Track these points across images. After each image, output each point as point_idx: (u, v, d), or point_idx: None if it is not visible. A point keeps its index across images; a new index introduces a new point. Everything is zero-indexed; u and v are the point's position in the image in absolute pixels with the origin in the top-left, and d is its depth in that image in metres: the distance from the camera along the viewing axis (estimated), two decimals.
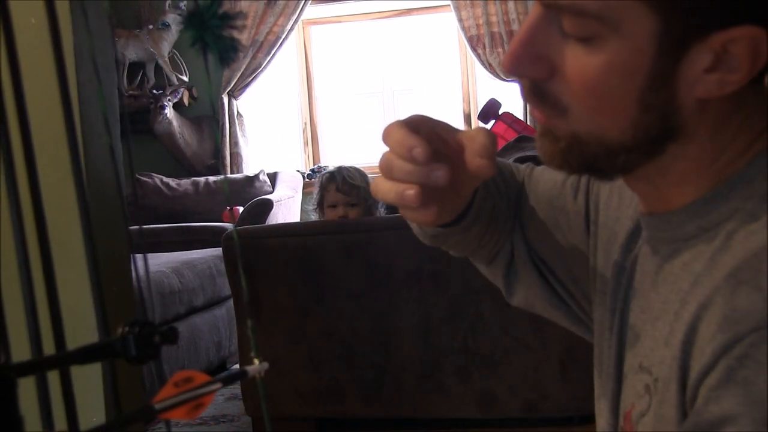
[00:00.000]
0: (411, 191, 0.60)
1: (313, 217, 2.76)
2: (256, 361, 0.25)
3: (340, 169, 2.69)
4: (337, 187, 2.63)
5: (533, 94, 0.58)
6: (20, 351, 0.25)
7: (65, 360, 0.21)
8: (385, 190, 0.62)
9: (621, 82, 0.53)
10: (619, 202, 0.73)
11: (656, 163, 0.58)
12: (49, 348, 0.24)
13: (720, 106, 0.55)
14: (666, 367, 0.55)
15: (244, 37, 5.00)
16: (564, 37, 0.55)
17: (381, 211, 2.70)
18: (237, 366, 3.16)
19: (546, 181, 0.82)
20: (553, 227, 0.79)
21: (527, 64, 0.56)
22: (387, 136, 0.62)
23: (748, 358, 0.47)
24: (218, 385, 0.23)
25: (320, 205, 2.68)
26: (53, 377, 0.24)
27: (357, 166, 2.77)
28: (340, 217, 2.62)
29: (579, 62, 0.54)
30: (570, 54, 0.55)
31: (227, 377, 0.24)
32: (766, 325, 0.46)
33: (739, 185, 0.56)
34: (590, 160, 0.58)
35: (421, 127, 0.62)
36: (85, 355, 0.21)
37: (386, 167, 0.62)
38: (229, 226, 4.06)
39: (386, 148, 0.62)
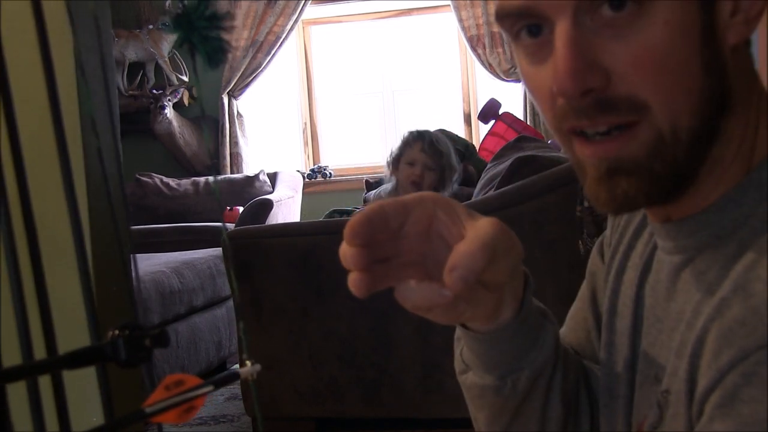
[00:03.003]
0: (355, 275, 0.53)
1: (385, 179, 2.66)
2: (249, 363, 0.25)
3: (428, 131, 2.61)
4: (422, 147, 2.56)
5: (602, 108, 0.54)
6: (11, 356, 0.24)
7: (54, 365, 0.21)
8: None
9: (683, 41, 0.53)
10: (610, 235, 0.74)
11: (711, 154, 0.56)
12: (41, 353, 0.24)
13: (743, 68, 0.57)
14: (678, 380, 0.54)
15: (244, 38, 5.00)
16: (601, 36, 0.53)
17: (455, 186, 2.61)
18: (237, 366, 3.15)
19: (572, 309, 0.81)
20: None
21: (588, 74, 0.53)
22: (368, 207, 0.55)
23: (754, 376, 0.46)
24: (210, 388, 0.23)
25: (396, 161, 2.61)
26: (45, 380, 0.24)
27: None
28: (417, 176, 2.54)
29: (639, 40, 0.52)
30: (622, 41, 0.53)
31: (219, 380, 0.24)
32: None
33: (750, 190, 0.55)
34: (673, 170, 0.55)
35: (415, 208, 0.55)
36: (75, 360, 0.21)
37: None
38: (230, 226, 4.06)
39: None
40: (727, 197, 0.56)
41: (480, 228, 0.53)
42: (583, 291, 0.80)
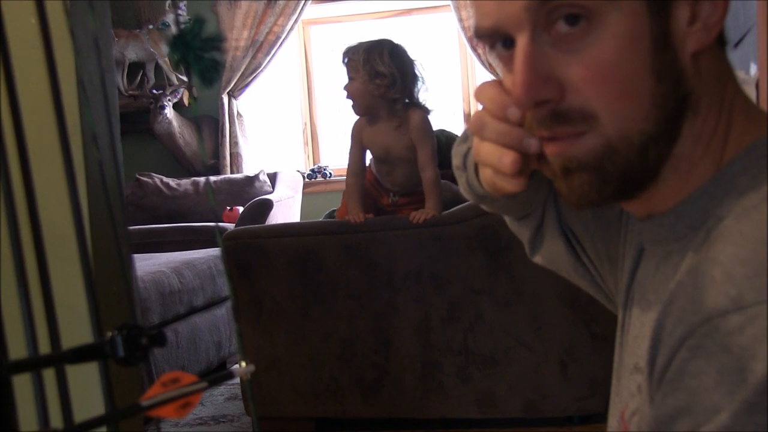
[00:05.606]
0: (508, 158, 0.61)
1: None
2: (243, 364, 0.26)
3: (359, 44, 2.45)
4: (342, 61, 2.46)
5: (557, 119, 0.58)
6: (18, 351, 0.25)
7: (57, 359, 0.22)
8: (485, 153, 0.63)
9: (632, 53, 0.55)
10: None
11: (673, 152, 0.59)
12: (45, 348, 0.24)
13: (709, 71, 0.59)
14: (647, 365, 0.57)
15: (244, 37, 5.00)
16: (558, 50, 0.56)
17: (384, 70, 2.36)
18: (237, 366, 3.15)
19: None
20: None
21: (542, 87, 0.57)
22: (480, 93, 0.63)
23: (699, 349, 0.48)
24: (204, 385, 0.24)
25: None
26: (50, 376, 0.25)
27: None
28: (346, 88, 2.41)
29: (590, 54, 0.55)
30: (575, 56, 0.56)
31: (214, 378, 0.25)
32: (717, 314, 0.48)
33: (723, 183, 0.57)
34: (626, 171, 0.58)
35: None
36: (76, 356, 0.22)
37: (479, 125, 0.63)
38: (229, 226, 4.06)
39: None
40: (702, 191, 0.58)
41: None
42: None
